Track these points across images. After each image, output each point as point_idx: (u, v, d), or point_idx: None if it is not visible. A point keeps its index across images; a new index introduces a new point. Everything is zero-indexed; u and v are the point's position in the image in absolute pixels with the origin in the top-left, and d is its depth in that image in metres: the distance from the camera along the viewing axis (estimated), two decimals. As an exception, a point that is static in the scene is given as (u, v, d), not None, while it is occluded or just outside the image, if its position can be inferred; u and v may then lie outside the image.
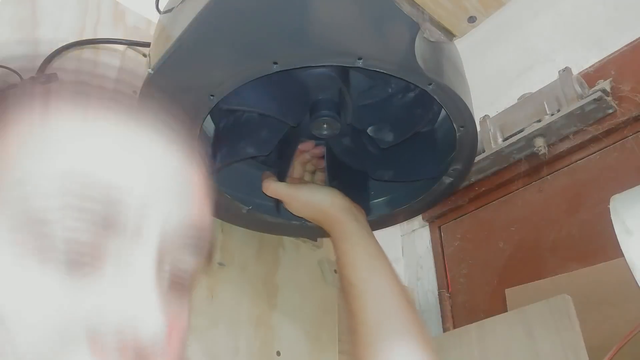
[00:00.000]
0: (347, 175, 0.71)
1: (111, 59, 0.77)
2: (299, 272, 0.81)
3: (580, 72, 0.82)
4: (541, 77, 0.86)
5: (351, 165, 0.72)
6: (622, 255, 0.54)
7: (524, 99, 0.85)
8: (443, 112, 0.63)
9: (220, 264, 0.74)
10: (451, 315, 0.89)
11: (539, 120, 0.80)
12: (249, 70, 0.53)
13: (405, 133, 0.65)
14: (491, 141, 0.86)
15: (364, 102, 0.68)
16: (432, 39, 0.51)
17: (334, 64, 0.53)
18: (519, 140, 0.81)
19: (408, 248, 1.05)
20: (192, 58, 0.52)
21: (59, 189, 0.27)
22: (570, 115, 0.77)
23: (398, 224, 0.88)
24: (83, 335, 0.26)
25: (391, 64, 0.52)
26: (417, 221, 1.03)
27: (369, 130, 0.68)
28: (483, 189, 0.90)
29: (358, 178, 0.72)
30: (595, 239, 0.73)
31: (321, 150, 0.71)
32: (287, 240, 0.82)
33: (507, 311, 0.71)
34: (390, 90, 0.66)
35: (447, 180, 0.68)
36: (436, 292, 0.93)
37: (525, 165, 0.84)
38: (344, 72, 0.61)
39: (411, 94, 0.64)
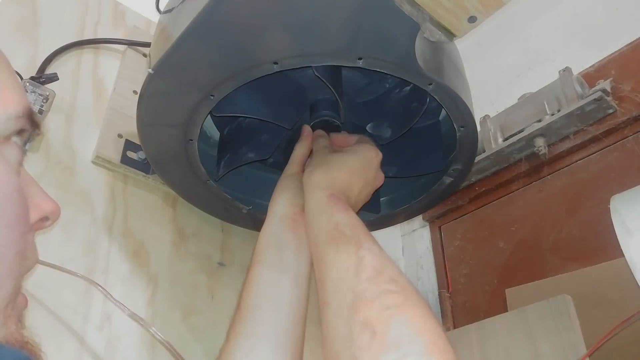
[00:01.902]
0: None
1: (111, 58, 0.77)
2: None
3: (581, 72, 0.82)
4: (541, 77, 0.86)
5: None
6: (622, 255, 0.54)
7: (524, 99, 0.85)
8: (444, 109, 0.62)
9: (220, 264, 0.74)
10: (451, 315, 0.89)
11: (539, 120, 0.80)
12: (249, 71, 0.53)
13: (402, 128, 0.65)
14: (491, 141, 0.86)
15: (363, 99, 0.68)
16: (432, 39, 0.51)
17: (334, 63, 0.53)
18: (519, 140, 0.81)
19: (408, 248, 1.05)
20: (192, 58, 0.52)
21: None
22: (570, 115, 0.76)
23: (398, 224, 0.88)
24: None
25: (391, 64, 0.52)
26: (418, 221, 1.03)
27: (368, 127, 0.68)
28: (483, 189, 0.90)
29: None
30: (596, 239, 0.73)
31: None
32: (287, 240, 0.82)
33: (507, 311, 0.71)
34: (387, 85, 0.66)
35: (447, 180, 0.68)
36: (436, 292, 0.93)
37: (526, 165, 0.84)
38: (335, 71, 0.61)
39: (407, 89, 0.64)
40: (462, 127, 0.60)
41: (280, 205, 0.60)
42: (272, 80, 0.56)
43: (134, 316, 0.58)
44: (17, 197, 0.33)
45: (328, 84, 0.58)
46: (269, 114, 0.63)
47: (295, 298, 0.55)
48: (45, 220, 0.37)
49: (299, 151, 0.66)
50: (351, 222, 0.48)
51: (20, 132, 0.35)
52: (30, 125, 0.35)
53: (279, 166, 0.72)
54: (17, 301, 0.33)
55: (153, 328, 0.58)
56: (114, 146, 0.70)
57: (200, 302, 0.70)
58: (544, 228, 0.81)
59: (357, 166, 0.59)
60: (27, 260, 0.34)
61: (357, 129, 0.70)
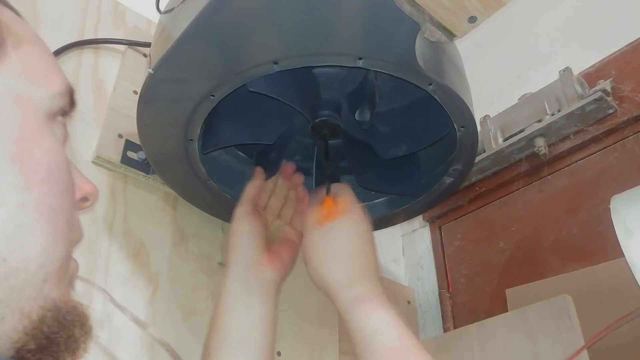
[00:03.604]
0: (379, 163, 0.70)
1: (111, 59, 0.77)
2: (299, 272, 0.81)
3: (581, 72, 0.82)
4: (541, 77, 0.86)
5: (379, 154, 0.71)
6: (622, 255, 0.54)
7: (525, 99, 0.85)
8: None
9: (221, 264, 0.74)
10: (452, 315, 0.89)
11: (540, 120, 0.80)
12: (249, 71, 0.53)
13: (375, 107, 0.64)
14: (492, 141, 0.86)
15: (349, 90, 0.68)
16: (432, 39, 0.51)
17: (335, 64, 0.53)
18: (519, 141, 0.81)
19: (408, 248, 1.05)
20: (193, 58, 0.52)
21: None
22: (570, 115, 0.77)
23: (398, 224, 0.88)
24: None
25: (391, 64, 0.52)
26: (418, 221, 1.03)
27: (356, 115, 0.68)
28: (483, 189, 0.90)
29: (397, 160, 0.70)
30: (596, 239, 0.73)
31: (301, 180, 0.70)
32: (288, 240, 0.82)
33: (507, 311, 0.71)
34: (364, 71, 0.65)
35: (448, 180, 0.68)
36: (437, 292, 0.93)
37: (526, 165, 0.84)
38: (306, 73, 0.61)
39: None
40: (462, 127, 0.60)
41: (243, 250, 0.61)
42: (250, 99, 0.56)
43: (136, 320, 0.58)
44: (66, 168, 0.36)
45: (297, 108, 0.58)
46: (248, 135, 0.66)
47: (265, 345, 0.57)
48: (85, 201, 0.40)
49: (249, 192, 0.65)
50: (378, 327, 0.50)
51: (63, 111, 0.37)
52: (71, 104, 0.38)
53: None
54: (70, 265, 0.36)
55: (151, 329, 0.58)
56: (114, 146, 0.70)
57: (200, 302, 0.70)
58: (544, 228, 0.81)
59: (358, 244, 0.57)
60: (75, 230, 0.37)
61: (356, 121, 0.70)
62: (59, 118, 0.37)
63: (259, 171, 0.68)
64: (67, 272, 0.35)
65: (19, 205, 0.31)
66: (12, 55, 0.34)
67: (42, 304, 0.32)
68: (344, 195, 0.61)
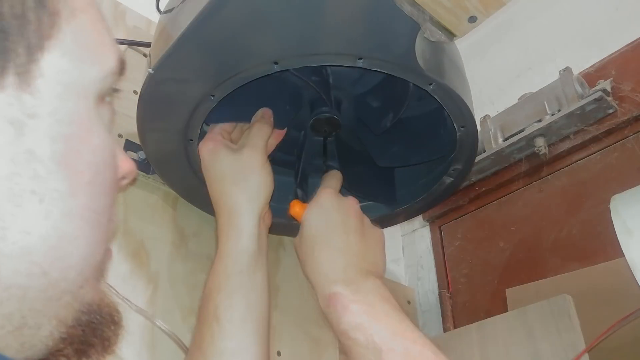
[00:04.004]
0: (364, 168, 0.71)
1: (111, 59, 0.77)
2: (299, 272, 0.81)
3: (581, 72, 0.82)
4: (541, 77, 0.86)
5: (372, 158, 0.71)
6: (623, 255, 0.54)
7: (525, 99, 0.85)
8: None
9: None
10: (452, 315, 0.89)
11: (540, 120, 0.80)
12: (249, 71, 0.53)
13: (395, 115, 0.65)
14: (492, 141, 0.86)
15: (359, 92, 0.68)
16: (432, 39, 0.51)
17: (335, 64, 0.53)
18: (519, 140, 0.81)
19: (408, 248, 1.05)
20: (192, 58, 0.52)
21: None
22: (570, 115, 0.77)
23: (398, 224, 0.88)
24: None
25: (392, 63, 0.52)
26: (418, 221, 1.03)
27: (365, 118, 0.68)
28: (483, 189, 0.90)
29: (378, 170, 0.71)
30: (596, 239, 0.73)
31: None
32: (288, 240, 0.82)
33: (507, 311, 0.71)
34: (380, 75, 0.66)
35: (448, 180, 0.68)
36: (437, 292, 0.93)
37: (526, 165, 0.84)
38: (320, 69, 0.61)
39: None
40: (462, 127, 0.60)
41: (258, 205, 0.58)
42: (262, 82, 0.56)
43: (140, 311, 0.59)
44: (113, 162, 0.33)
45: (314, 85, 0.58)
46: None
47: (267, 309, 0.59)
48: (122, 180, 0.36)
49: (266, 139, 0.60)
50: (357, 323, 0.47)
51: (114, 89, 0.33)
52: (121, 78, 0.34)
53: (278, 164, 0.73)
54: (105, 260, 0.34)
55: (158, 320, 0.59)
56: (114, 146, 0.70)
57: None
58: (544, 228, 0.81)
59: (330, 234, 0.56)
60: (112, 222, 0.34)
61: (358, 122, 0.70)
62: (107, 98, 0.33)
63: (268, 115, 0.63)
64: (103, 270, 0.33)
65: (64, 214, 0.28)
66: (66, 31, 0.28)
67: (78, 308, 0.30)
68: (322, 187, 0.60)
